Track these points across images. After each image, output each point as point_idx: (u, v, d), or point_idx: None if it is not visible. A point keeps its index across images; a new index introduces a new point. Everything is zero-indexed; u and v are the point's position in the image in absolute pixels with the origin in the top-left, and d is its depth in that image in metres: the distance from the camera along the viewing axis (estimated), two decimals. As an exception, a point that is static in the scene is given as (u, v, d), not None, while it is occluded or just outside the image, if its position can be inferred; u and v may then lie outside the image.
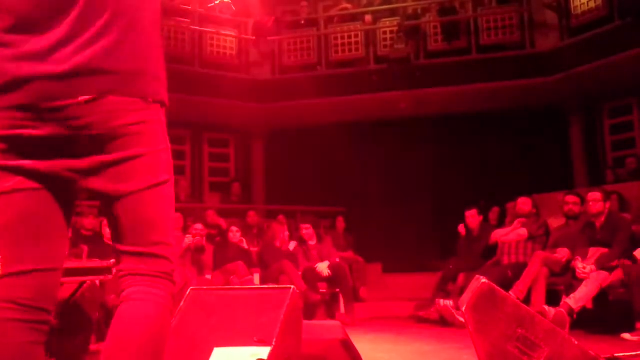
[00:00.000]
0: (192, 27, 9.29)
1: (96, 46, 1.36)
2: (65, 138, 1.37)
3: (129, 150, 1.38)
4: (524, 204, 6.55)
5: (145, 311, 1.36)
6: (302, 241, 7.58)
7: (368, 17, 9.94)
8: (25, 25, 1.38)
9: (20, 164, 1.41)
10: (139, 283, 1.40)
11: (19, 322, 1.38)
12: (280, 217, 8.61)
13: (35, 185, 1.42)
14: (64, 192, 1.47)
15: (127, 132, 1.38)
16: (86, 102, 1.35)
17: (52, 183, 1.43)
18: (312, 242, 7.39)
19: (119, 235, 1.43)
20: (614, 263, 5.30)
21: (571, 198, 6.21)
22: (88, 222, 6.32)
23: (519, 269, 5.85)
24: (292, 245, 7.32)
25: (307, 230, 7.44)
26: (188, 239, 6.69)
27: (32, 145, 1.39)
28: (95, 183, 1.40)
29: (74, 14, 1.36)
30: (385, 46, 9.49)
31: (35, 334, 1.40)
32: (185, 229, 7.04)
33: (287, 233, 7.39)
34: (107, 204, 1.42)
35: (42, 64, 1.35)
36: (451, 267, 6.85)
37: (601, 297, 5.26)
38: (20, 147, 1.40)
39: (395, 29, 9.26)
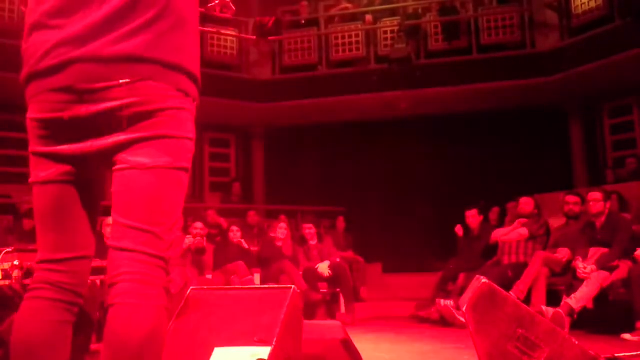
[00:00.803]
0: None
1: (142, 36, 1.41)
2: (102, 118, 1.41)
3: (159, 130, 1.42)
4: (526, 204, 6.54)
5: (139, 318, 1.33)
6: (303, 241, 7.58)
7: (368, 17, 9.94)
8: (72, 9, 1.43)
9: (57, 150, 1.47)
10: (128, 276, 1.36)
11: (55, 302, 1.47)
12: (282, 217, 8.60)
13: (68, 177, 1.49)
14: (93, 181, 1.54)
15: (161, 115, 1.42)
16: (126, 84, 1.39)
17: (85, 169, 1.49)
18: (313, 242, 7.39)
19: (124, 207, 1.42)
20: (615, 263, 5.30)
21: (571, 198, 6.21)
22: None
23: (519, 269, 5.85)
24: (283, 233, 7.24)
25: (309, 230, 7.43)
26: (188, 240, 6.69)
27: (71, 127, 1.44)
28: (120, 155, 1.42)
29: (124, 1, 1.41)
30: (385, 46, 9.49)
31: (68, 314, 1.49)
32: (186, 229, 7.04)
33: (283, 224, 7.36)
34: (123, 173, 1.42)
35: (87, 47, 1.39)
36: (451, 267, 6.86)
37: (602, 297, 5.25)
38: (60, 130, 1.45)
39: (395, 28, 9.26)
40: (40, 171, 1.50)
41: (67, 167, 1.49)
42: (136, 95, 1.40)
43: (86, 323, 3.66)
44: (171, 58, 1.44)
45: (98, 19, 1.41)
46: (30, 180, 1.53)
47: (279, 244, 7.19)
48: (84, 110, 1.41)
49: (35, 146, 1.51)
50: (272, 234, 7.47)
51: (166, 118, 1.43)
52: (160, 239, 1.41)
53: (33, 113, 1.49)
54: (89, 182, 1.53)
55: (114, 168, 1.43)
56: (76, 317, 1.51)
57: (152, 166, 1.41)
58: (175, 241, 7.23)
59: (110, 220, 1.47)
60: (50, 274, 1.48)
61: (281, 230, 7.26)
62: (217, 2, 1.87)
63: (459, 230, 7.19)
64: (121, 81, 1.39)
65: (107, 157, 1.44)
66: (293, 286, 2.45)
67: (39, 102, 1.46)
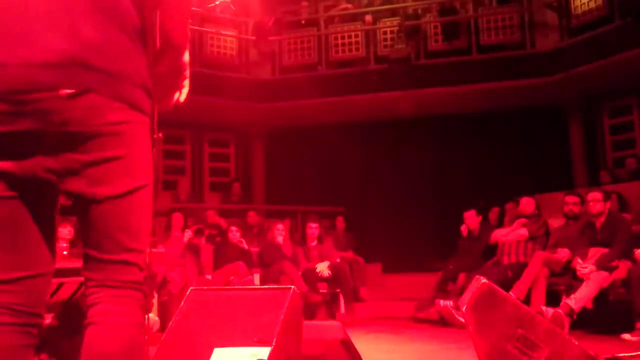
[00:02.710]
0: (192, 27, 9.29)
1: (85, 39, 1.28)
2: (42, 134, 1.28)
3: (108, 151, 1.31)
4: (527, 204, 6.54)
5: (115, 336, 1.31)
6: (303, 241, 7.58)
7: (368, 17, 9.93)
8: (12, 8, 1.29)
9: (1, 167, 1.34)
10: (106, 298, 1.33)
11: (12, 326, 1.37)
12: (287, 220, 8.57)
13: (13, 193, 1.36)
14: (44, 194, 1.41)
15: (107, 132, 1.30)
16: (67, 96, 1.26)
17: (31, 186, 1.36)
18: (313, 243, 7.39)
19: (91, 240, 1.36)
20: (614, 263, 5.30)
21: (571, 198, 6.21)
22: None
23: (519, 269, 5.85)
24: (281, 235, 7.25)
25: (312, 229, 7.37)
26: (187, 234, 6.71)
27: (8, 142, 1.30)
28: (72, 185, 1.32)
29: (63, 2, 1.29)
30: (385, 46, 9.49)
31: (27, 337, 1.40)
32: (185, 228, 7.06)
33: (280, 225, 7.35)
34: (81, 207, 1.34)
35: (21, 49, 1.25)
36: (451, 267, 6.86)
37: (601, 297, 5.26)
38: (1, 144, 1.31)
39: (395, 28, 9.26)
40: None
41: (12, 182, 1.34)
42: (79, 108, 1.27)
43: (83, 323, 3.66)
44: (116, 65, 1.32)
45: (38, 20, 1.27)
46: None
47: (279, 244, 7.18)
48: (22, 124, 1.27)
49: None
50: (272, 235, 7.46)
51: (114, 136, 1.31)
52: (133, 264, 1.36)
53: None
54: (42, 196, 1.40)
55: (73, 197, 1.34)
56: (37, 338, 1.42)
57: (108, 195, 1.32)
58: (174, 241, 7.20)
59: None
60: (4, 296, 1.37)
61: (279, 232, 7.25)
62: (217, 2, 1.84)
63: (464, 229, 7.21)
64: (62, 92, 1.25)
65: (57, 179, 1.33)
66: (293, 286, 2.45)
67: None
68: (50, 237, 1.45)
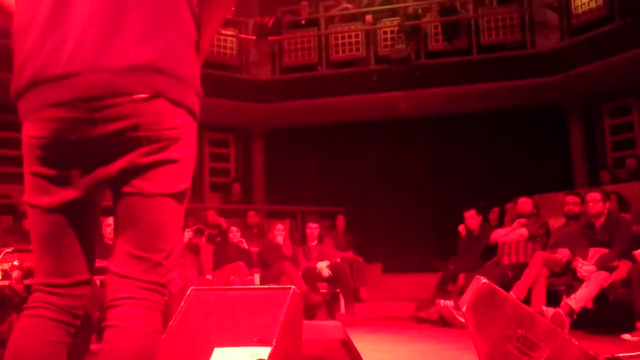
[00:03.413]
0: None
1: (154, 43, 1.31)
2: (113, 139, 1.30)
3: (166, 155, 1.34)
4: (525, 204, 6.55)
5: (134, 342, 1.32)
6: (303, 241, 7.57)
7: (368, 17, 9.94)
8: (70, 9, 1.31)
9: (61, 174, 1.37)
10: (128, 301, 1.34)
11: (57, 322, 1.42)
12: (286, 220, 8.57)
13: (71, 204, 1.39)
14: (95, 201, 1.46)
15: (169, 136, 1.33)
16: (142, 100, 1.28)
17: (86, 195, 1.40)
18: (313, 243, 7.38)
19: (127, 233, 1.37)
20: (614, 263, 5.30)
21: (571, 198, 6.21)
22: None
23: (519, 269, 5.85)
24: (281, 235, 7.26)
25: (312, 229, 7.36)
26: (187, 234, 6.71)
27: (77, 149, 1.33)
28: (126, 178, 1.34)
29: (132, 7, 1.31)
30: (385, 46, 9.49)
31: (66, 335, 1.44)
32: (184, 229, 7.05)
33: (280, 225, 7.35)
34: (124, 199, 1.36)
35: (97, 55, 1.27)
36: (451, 267, 6.85)
37: (601, 297, 5.26)
38: (64, 152, 1.34)
39: (395, 28, 9.26)
40: (42, 195, 1.39)
41: (71, 193, 1.38)
42: (150, 113, 1.29)
43: (86, 323, 3.66)
44: (181, 70, 1.35)
45: (103, 22, 1.29)
46: (29, 201, 1.42)
47: (279, 244, 7.18)
48: (93, 130, 1.29)
49: (34, 167, 1.38)
50: (272, 235, 7.45)
51: (175, 140, 1.34)
52: (161, 265, 1.38)
53: (32, 131, 1.34)
54: (91, 206, 1.46)
55: (121, 190, 1.36)
56: (72, 339, 1.47)
57: (158, 192, 1.34)
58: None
59: (110, 220, 1.45)
60: (51, 296, 1.43)
61: (279, 232, 7.25)
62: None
63: (462, 229, 7.20)
64: (136, 96, 1.27)
65: (113, 180, 1.36)
66: (293, 286, 2.45)
67: (40, 120, 1.32)
68: (93, 244, 1.49)
